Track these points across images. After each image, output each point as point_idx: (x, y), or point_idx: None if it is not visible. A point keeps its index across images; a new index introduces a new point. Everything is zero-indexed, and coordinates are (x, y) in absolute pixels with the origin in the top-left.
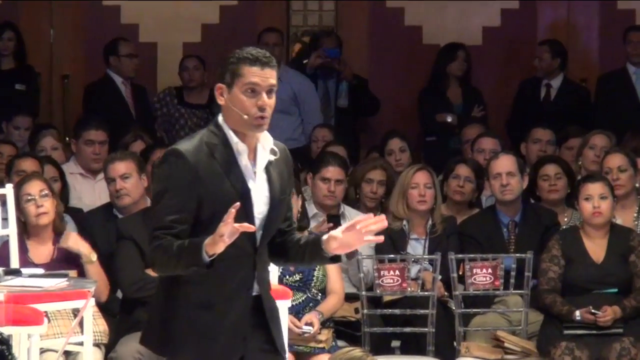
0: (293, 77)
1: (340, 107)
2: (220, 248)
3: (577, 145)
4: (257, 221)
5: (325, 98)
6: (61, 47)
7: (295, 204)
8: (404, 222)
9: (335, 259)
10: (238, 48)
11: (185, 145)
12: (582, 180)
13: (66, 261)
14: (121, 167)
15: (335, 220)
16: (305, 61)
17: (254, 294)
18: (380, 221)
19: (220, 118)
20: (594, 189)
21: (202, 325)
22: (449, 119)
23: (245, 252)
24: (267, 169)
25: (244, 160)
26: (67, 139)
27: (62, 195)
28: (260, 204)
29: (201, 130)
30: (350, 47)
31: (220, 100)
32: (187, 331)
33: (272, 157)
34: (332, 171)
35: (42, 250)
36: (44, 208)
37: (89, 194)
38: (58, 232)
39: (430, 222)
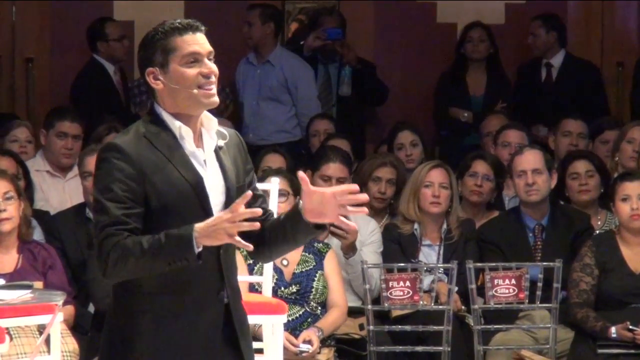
0: (285, 60)
1: (342, 95)
2: (223, 238)
3: (613, 139)
4: (215, 214)
5: (326, 85)
6: (24, 27)
7: (289, 206)
8: (415, 226)
9: (320, 227)
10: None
11: (122, 139)
12: (618, 178)
13: (32, 271)
14: None
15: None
16: (302, 42)
17: (225, 301)
18: (361, 195)
19: (155, 105)
20: (633, 188)
21: (171, 339)
22: (464, 118)
23: (208, 250)
24: (218, 155)
25: (189, 146)
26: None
27: (26, 195)
28: (217, 193)
29: (134, 124)
30: (354, 27)
31: (157, 85)
32: (155, 348)
33: (222, 142)
34: (334, 168)
35: (5, 259)
36: (7, 213)
37: (58, 194)
38: (24, 239)
39: (445, 226)
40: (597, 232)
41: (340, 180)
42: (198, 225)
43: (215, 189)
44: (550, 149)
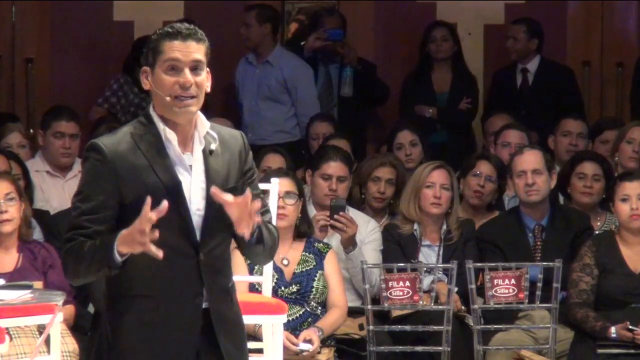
0: (284, 60)
1: (344, 96)
2: (136, 247)
3: (613, 139)
4: (197, 218)
5: (327, 86)
6: (24, 27)
7: (296, 207)
8: (415, 226)
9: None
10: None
11: (106, 139)
12: (618, 178)
13: (32, 270)
14: None
15: (341, 209)
16: (302, 43)
17: (204, 305)
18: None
19: (150, 106)
20: (632, 188)
21: (149, 343)
22: (428, 114)
23: (183, 254)
24: (207, 159)
25: (173, 150)
26: (32, 130)
27: (26, 195)
28: (198, 198)
29: (130, 122)
30: (354, 28)
31: (145, 85)
32: (135, 350)
33: (214, 145)
34: (334, 167)
35: (5, 259)
36: (8, 214)
37: (58, 194)
38: (24, 239)
39: (445, 226)
40: (597, 232)
41: (340, 179)
42: (121, 233)
43: (196, 193)
44: (549, 148)
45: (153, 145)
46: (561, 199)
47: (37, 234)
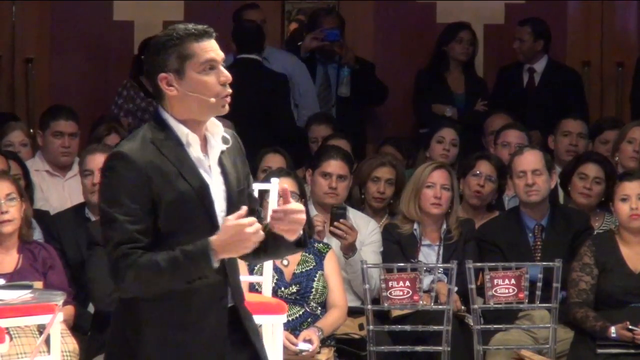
0: (285, 58)
1: (341, 96)
2: (241, 252)
3: (613, 139)
4: (220, 220)
5: (325, 85)
6: (24, 27)
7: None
8: (415, 226)
9: (301, 244)
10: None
11: (129, 146)
12: (618, 178)
13: (32, 271)
14: (102, 159)
15: (341, 216)
16: (299, 43)
17: (229, 304)
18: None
19: (162, 111)
20: (632, 188)
21: (176, 347)
22: (448, 113)
23: None
24: (220, 160)
25: (195, 153)
26: (32, 130)
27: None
28: (220, 199)
29: (140, 128)
30: (353, 27)
31: (171, 91)
32: (160, 356)
33: (224, 146)
34: (334, 165)
35: (5, 259)
36: (9, 215)
37: (58, 194)
38: (24, 240)
39: (444, 226)
40: (597, 232)
41: (340, 178)
42: (213, 240)
43: (218, 195)
44: (549, 148)
45: (174, 150)
46: (561, 198)
47: (37, 235)
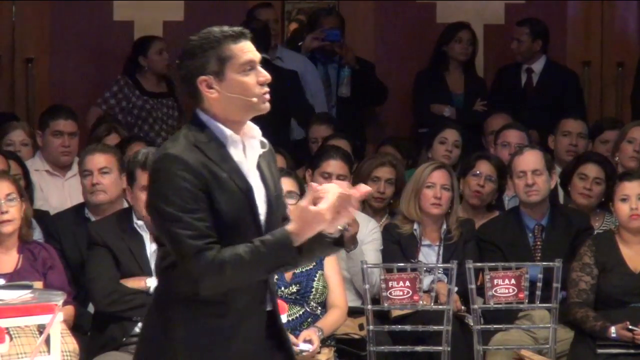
0: (297, 58)
1: (341, 96)
2: (312, 231)
3: (613, 139)
4: (263, 223)
5: (326, 85)
6: (24, 27)
7: None
8: (415, 226)
9: (339, 243)
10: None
11: (175, 148)
12: (618, 178)
13: (32, 271)
14: (101, 159)
15: None
16: (300, 43)
17: (268, 309)
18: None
19: (201, 113)
20: (632, 188)
21: (214, 353)
22: (447, 113)
23: None
24: (258, 164)
25: (237, 156)
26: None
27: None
28: (261, 202)
29: (180, 131)
30: (353, 27)
31: (212, 94)
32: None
33: (261, 150)
34: (334, 165)
35: (5, 259)
36: (9, 215)
37: (57, 194)
38: (24, 240)
39: (444, 226)
40: (597, 232)
41: (340, 178)
42: (291, 228)
43: (260, 198)
44: (549, 148)
45: (218, 151)
46: (561, 198)
47: (37, 235)
